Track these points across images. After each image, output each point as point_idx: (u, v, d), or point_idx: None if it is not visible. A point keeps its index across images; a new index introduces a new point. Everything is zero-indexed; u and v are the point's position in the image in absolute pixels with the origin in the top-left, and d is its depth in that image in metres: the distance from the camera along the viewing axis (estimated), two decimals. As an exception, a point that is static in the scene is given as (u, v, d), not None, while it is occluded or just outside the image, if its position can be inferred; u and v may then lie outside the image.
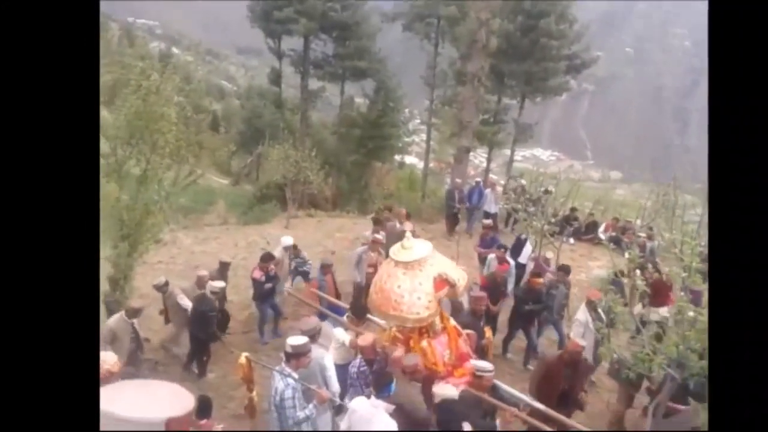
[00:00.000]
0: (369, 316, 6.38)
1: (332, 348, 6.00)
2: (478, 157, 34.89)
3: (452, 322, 5.66)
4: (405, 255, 5.22)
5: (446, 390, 4.67)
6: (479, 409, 4.94)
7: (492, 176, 23.77)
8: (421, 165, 28.36)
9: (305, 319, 5.70)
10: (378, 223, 10.52)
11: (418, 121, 30.53)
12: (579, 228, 14.41)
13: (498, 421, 4.94)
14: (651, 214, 12.35)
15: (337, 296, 8.89)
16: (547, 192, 12.09)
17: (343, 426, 4.67)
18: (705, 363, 4.65)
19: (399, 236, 9.57)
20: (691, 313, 4.88)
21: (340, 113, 25.36)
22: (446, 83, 22.56)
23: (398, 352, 5.28)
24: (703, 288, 5.19)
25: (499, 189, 15.71)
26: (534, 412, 5.23)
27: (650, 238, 11.80)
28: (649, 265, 8.09)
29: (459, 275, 5.36)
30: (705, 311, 4.87)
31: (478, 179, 15.87)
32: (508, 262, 9.12)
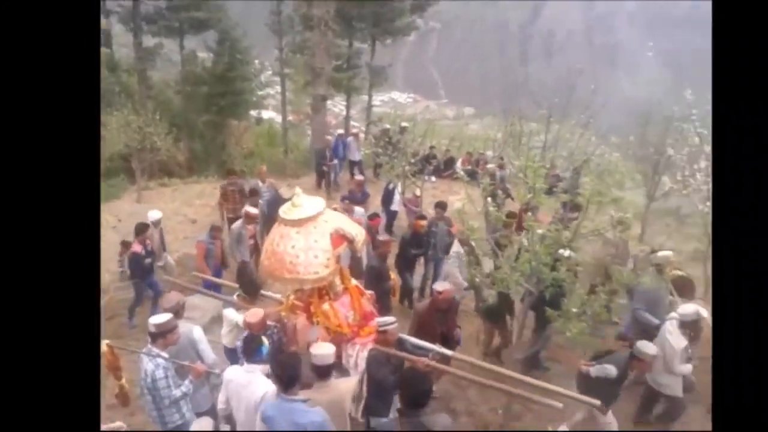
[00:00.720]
0: (263, 292, 6.11)
1: (225, 332, 5.73)
2: (338, 105, 34.76)
3: (353, 281, 5.50)
4: (296, 213, 4.91)
5: (321, 349, 4.51)
6: (389, 365, 4.89)
7: (353, 123, 23.88)
8: (279, 119, 27.59)
9: (167, 296, 5.36)
10: (224, 196, 10.39)
11: (270, 72, 29.39)
12: (438, 166, 15.08)
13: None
14: (501, 145, 13.25)
15: (224, 263, 8.72)
16: (403, 130, 12.39)
17: (221, 398, 4.58)
18: (555, 274, 5.19)
19: (276, 202, 9.44)
20: (539, 231, 5.37)
21: (182, 70, 23.56)
22: (294, 29, 21.87)
23: (300, 321, 5.14)
24: (545, 204, 5.73)
25: (362, 136, 15.84)
26: (443, 359, 5.32)
27: (501, 167, 12.72)
28: (500, 192, 8.70)
29: (357, 230, 5.19)
30: (553, 227, 5.40)
31: (341, 131, 15.78)
32: (379, 216, 9.36)
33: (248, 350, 4.43)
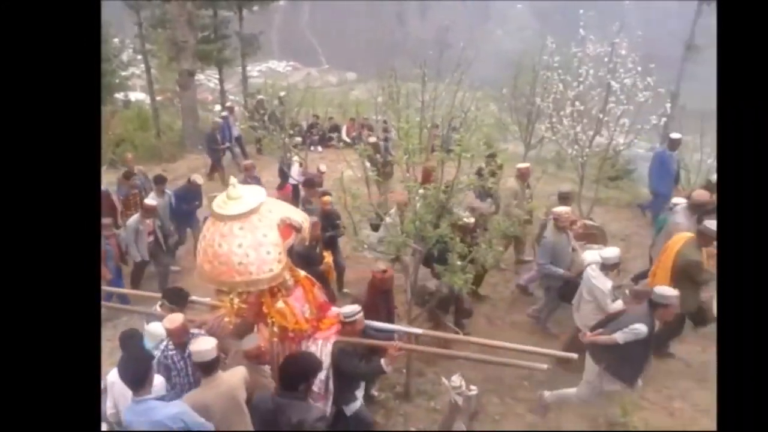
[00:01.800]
0: (192, 297, 5.58)
1: (151, 347, 4.96)
2: (212, 79, 33.04)
3: (302, 272, 5.16)
4: (236, 206, 4.38)
5: (200, 345, 4.25)
6: (356, 356, 4.76)
7: (231, 97, 22.84)
8: (148, 100, 25.78)
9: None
10: (128, 204, 9.41)
11: (132, 50, 27.23)
12: (324, 134, 14.90)
13: (383, 361, 4.61)
14: (382, 108, 13.29)
15: (124, 261, 8.21)
16: (281, 100, 12.02)
17: (108, 403, 4.40)
18: (439, 230, 5.31)
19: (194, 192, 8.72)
20: (421, 191, 5.45)
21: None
22: (152, 2, 20.28)
23: (234, 325, 4.82)
24: (424, 164, 5.79)
25: (237, 110, 15.17)
26: (410, 338, 5.25)
27: (386, 130, 12.79)
28: (378, 156, 8.72)
29: (301, 216, 4.82)
30: (432, 186, 5.50)
31: (225, 114, 14.67)
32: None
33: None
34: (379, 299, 5.70)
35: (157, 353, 4.56)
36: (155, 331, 4.92)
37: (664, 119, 9.09)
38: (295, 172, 10.52)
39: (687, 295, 5.66)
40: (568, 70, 9.14)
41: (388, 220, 7.03)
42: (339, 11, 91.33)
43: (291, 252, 4.85)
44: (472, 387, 4.76)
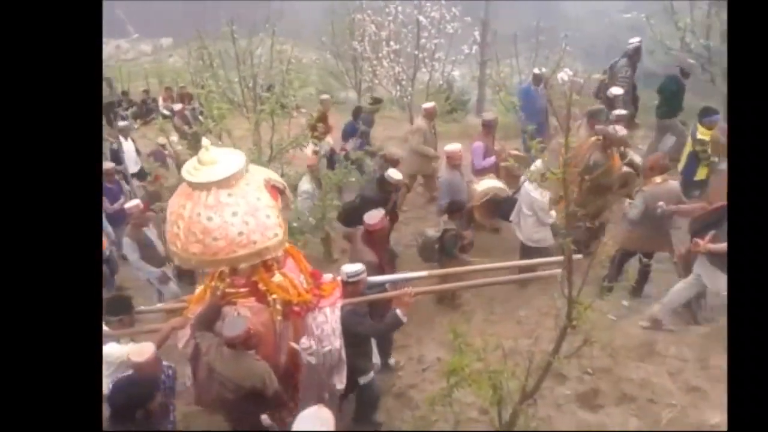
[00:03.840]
0: (141, 307, 4.91)
1: (106, 375, 4.04)
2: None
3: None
4: (217, 171, 3.83)
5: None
6: (365, 315, 4.49)
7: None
8: None
9: None
10: None
11: None
12: (139, 110, 13.78)
13: (399, 311, 4.39)
14: (197, 72, 12.56)
15: None
16: (108, 84, 10.85)
17: None
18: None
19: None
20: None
21: None
22: None
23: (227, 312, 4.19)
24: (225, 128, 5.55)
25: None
26: (414, 282, 5.00)
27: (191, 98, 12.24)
28: (186, 127, 8.32)
29: (277, 176, 4.31)
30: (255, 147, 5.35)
31: None
32: None
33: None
34: (378, 251, 5.41)
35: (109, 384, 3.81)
36: (113, 354, 4.08)
37: (475, 47, 9.62)
38: (133, 159, 9.46)
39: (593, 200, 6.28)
40: (378, 11, 9.27)
41: (304, 187, 6.74)
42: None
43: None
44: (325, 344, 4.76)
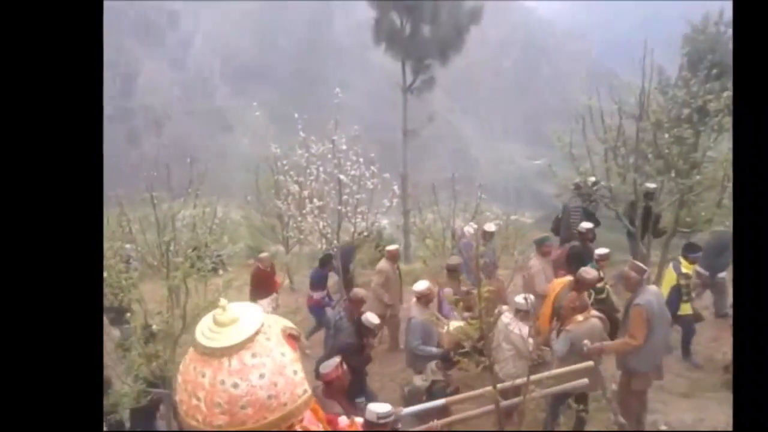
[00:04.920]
0: None
1: None
2: None
3: None
4: (237, 333, 3.08)
5: None
6: None
7: None
8: None
9: None
10: None
11: None
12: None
13: None
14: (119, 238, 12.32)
15: None
16: None
17: None
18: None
19: None
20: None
21: None
22: None
23: None
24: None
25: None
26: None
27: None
28: None
29: (288, 322, 3.84)
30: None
31: None
32: None
33: None
34: (342, 402, 5.11)
35: None
36: None
37: (396, 200, 10.07)
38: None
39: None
40: (299, 171, 9.65)
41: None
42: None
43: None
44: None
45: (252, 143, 74.23)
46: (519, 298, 6.54)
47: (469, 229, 9.10)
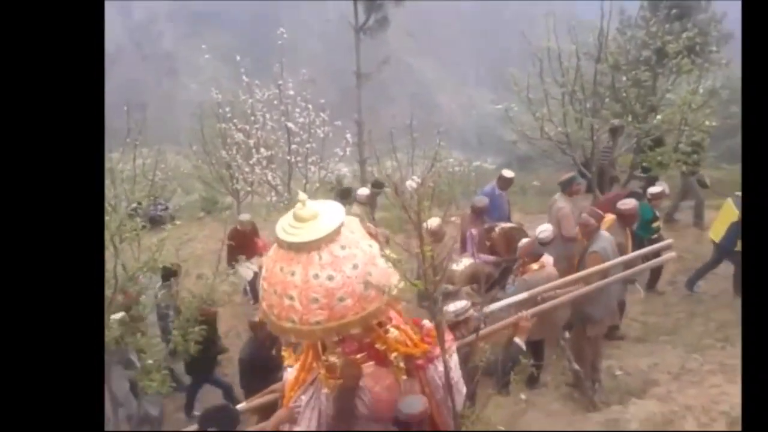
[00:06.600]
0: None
1: None
2: None
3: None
4: (323, 225, 3.44)
5: None
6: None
7: None
8: None
9: None
10: None
11: None
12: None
13: (517, 339, 4.32)
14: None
15: None
16: None
17: None
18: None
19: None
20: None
21: None
22: None
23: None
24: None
25: None
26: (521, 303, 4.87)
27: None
28: None
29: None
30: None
31: None
32: None
33: None
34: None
35: None
36: None
37: (349, 149, 9.74)
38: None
39: None
40: (244, 119, 9.22)
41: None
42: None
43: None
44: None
45: (201, 89, 71.57)
46: (544, 230, 6.54)
47: (412, 183, 8.71)
